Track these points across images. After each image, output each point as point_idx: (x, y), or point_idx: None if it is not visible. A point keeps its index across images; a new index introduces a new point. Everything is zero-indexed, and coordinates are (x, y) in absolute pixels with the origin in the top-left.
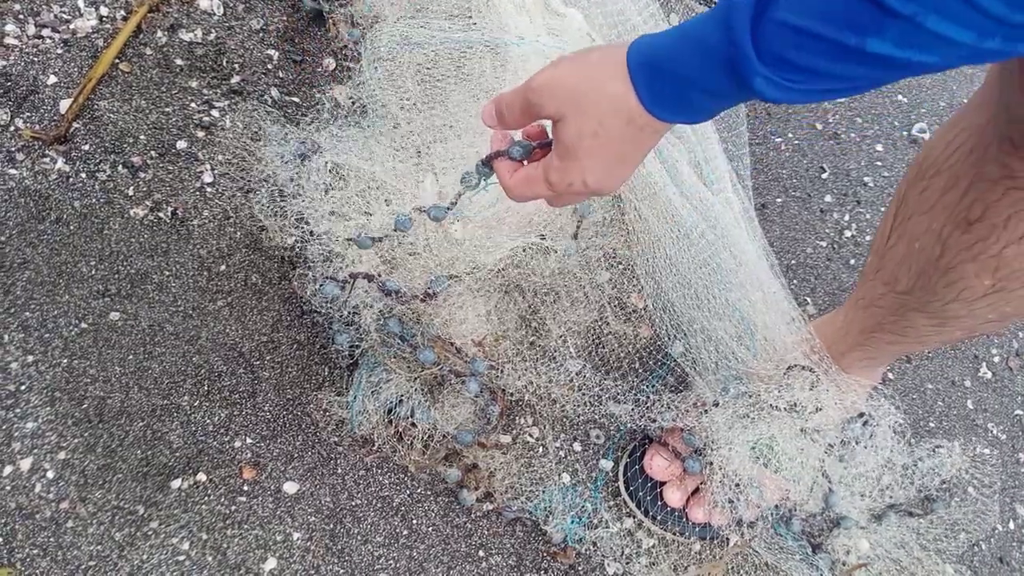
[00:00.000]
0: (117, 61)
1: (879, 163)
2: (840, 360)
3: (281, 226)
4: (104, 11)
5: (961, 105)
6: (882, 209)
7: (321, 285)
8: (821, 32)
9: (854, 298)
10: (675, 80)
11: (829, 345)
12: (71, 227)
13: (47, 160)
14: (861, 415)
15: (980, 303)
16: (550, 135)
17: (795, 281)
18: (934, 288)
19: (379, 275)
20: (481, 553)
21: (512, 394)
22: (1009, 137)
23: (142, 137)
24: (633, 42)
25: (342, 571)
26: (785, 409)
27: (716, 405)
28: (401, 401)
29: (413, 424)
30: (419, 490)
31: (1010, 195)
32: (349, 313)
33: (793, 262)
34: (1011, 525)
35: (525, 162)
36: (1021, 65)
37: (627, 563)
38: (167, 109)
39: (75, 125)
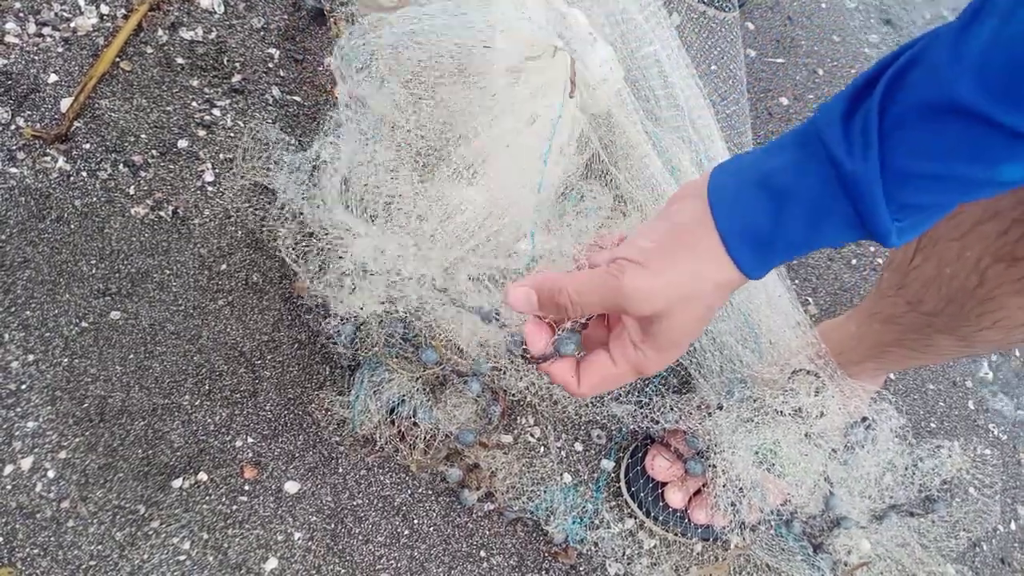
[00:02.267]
0: (118, 60)
1: None
2: (850, 368)
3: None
4: (105, 9)
5: None
6: None
7: (339, 329)
8: (947, 173)
9: (868, 311)
10: (788, 251)
11: (839, 352)
12: (72, 226)
13: (48, 159)
14: (864, 419)
15: (1019, 332)
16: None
17: (797, 281)
18: (967, 315)
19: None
20: (482, 553)
21: (514, 394)
22: None
23: (143, 136)
24: (718, 214)
25: (343, 571)
26: (790, 414)
27: (720, 408)
28: (403, 401)
29: (415, 424)
30: (420, 490)
31: None
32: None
33: (795, 262)
34: (1012, 526)
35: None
36: None
37: (628, 563)
38: (168, 108)
39: (76, 124)
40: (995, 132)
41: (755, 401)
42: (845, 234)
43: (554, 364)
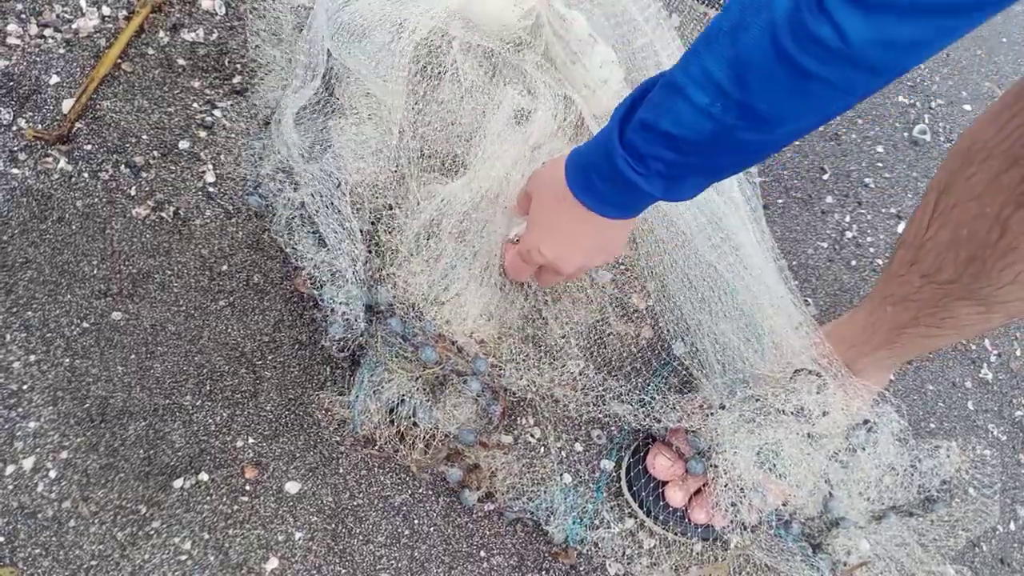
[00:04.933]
0: (119, 61)
1: (880, 164)
2: (860, 360)
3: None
4: (106, 11)
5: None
6: (883, 210)
7: (331, 324)
8: (655, 125)
9: (879, 297)
10: (582, 164)
11: (850, 347)
12: (73, 227)
13: (50, 160)
14: (866, 422)
15: None
16: None
17: (796, 282)
18: (989, 273)
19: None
20: (483, 553)
21: (514, 394)
22: None
23: (144, 137)
24: (568, 165)
25: (344, 571)
26: (792, 413)
27: (722, 408)
28: (403, 401)
29: (415, 424)
30: (421, 490)
31: None
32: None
33: (794, 263)
34: (1012, 526)
35: None
36: None
37: (628, 563)
38: (169, 109)
39: (77, 125)
40: (681, 99)
41: (757, 401)
42: (603, 158)
43: (508, 245)
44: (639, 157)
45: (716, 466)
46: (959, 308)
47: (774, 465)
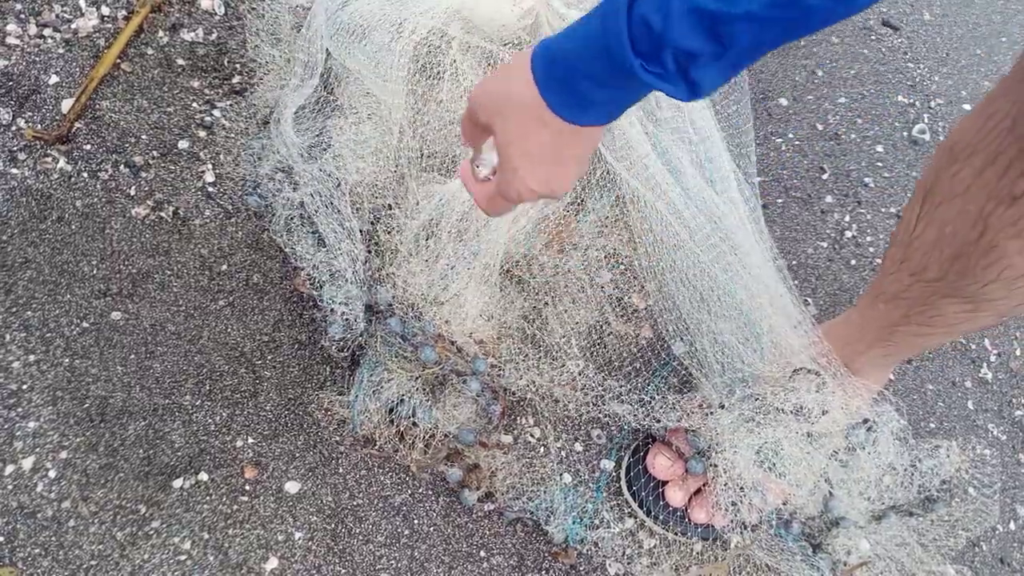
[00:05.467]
0: (119, 61)
1: (879, 164)
2: (856, 359)
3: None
4: (105, 11)
5: (984, 96)
6: (882, 210)
7: (330, 324)
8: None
9: (872, 295)
10: (565, 71)
11: (845, 345)
12: (73, 226)
13: (49, 160)
14: (865, 421)
15: (1021, 282)
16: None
17: (796, 282)
18: (972, 270)
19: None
20: (482, 553)
21: (514, 394)
22: None
23: (144, 137)
24: (540, 42)
25: (343, 571)
26: (791, 412)
27: (722, 407)
28: (402, 400)
29: (414, 424)
30: (420, 490)
31: None
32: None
33: (794, 263)
34: (1011, 526)
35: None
36: None
37: (628, 563)
38: (169, 109)
39: (77, 125)
40: None
41: (756, 400)
42: (600, 57)
43: (472, 182)
44: (658, 51)
45: (716, 465)
46: (947, 306)
47: (773, 464)
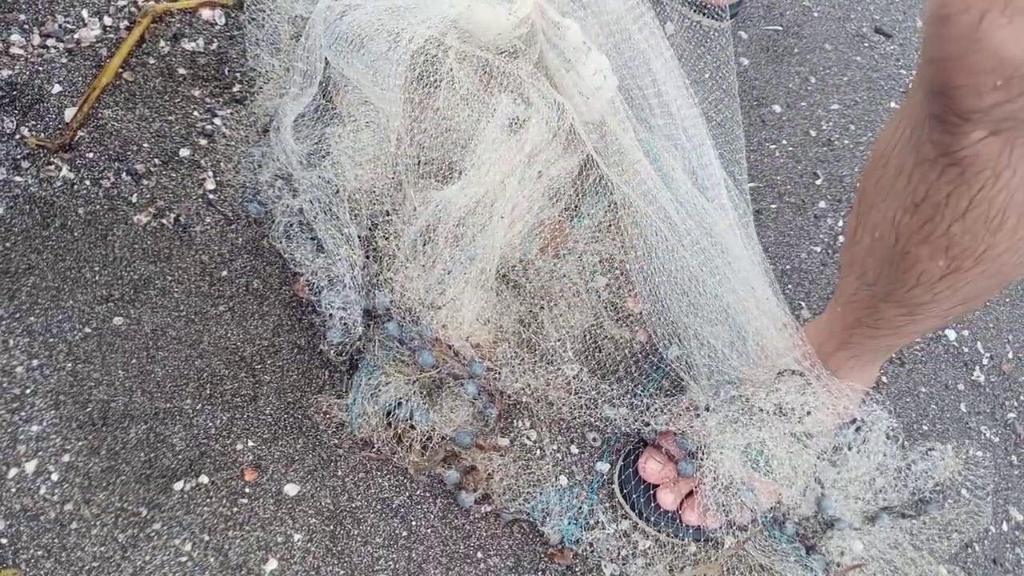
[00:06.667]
0: (121, 70)
1: None
2: (829, 360)
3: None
4: (108, 21)
5: None
6: None
7: (329, 328)
8: None
9: (835, 297)
10: None
11: (818, 346)
12: (75, 233)
13: (52, 168)
14: (853, 421)
15: (940, 286)
16: None
17: (790, 286)
18: (895, 275)
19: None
20: (479, 554)
21: (510, 396)
22: (933, 113)
23: (145, 145)
24: None
25: (342, 572)
26: (773, 412)
27: (708, 409)
28: (400, 403)
29: (412, 426)
30: (418, 492)
31: (947, 172)
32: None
33: (788, 267)
34: (1004, 527)
35: None
36: (929, 35)
37: (623, 564)
38: (170, 117)
39: (80, 133)
40: None
41: (743, 401)
42: None
43: None
44: None
45: (703, 466)
46: (886, 310)
47: (758, 463)
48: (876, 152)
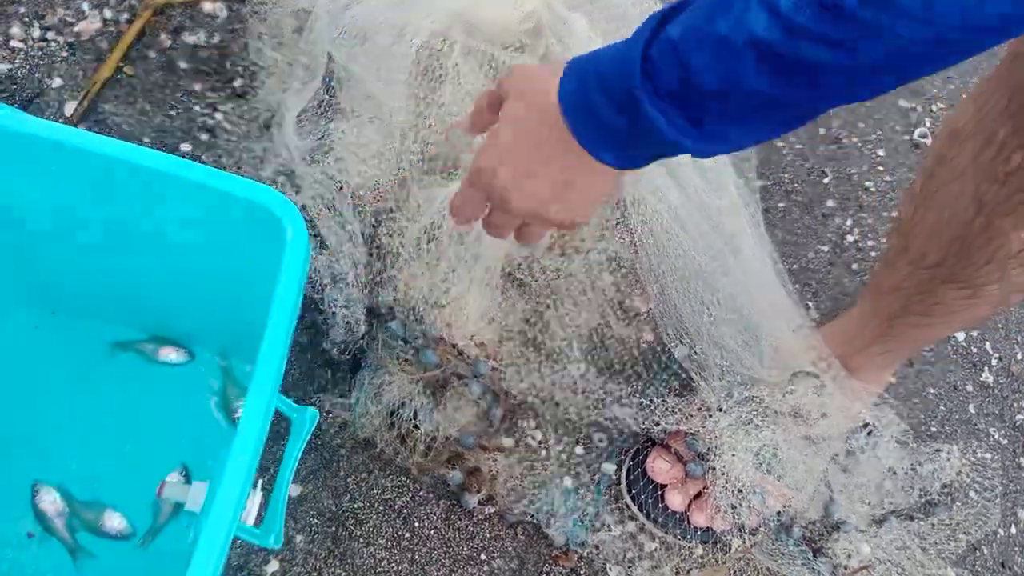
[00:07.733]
0: (121, 64)
1: (881, 168)
2: (856, 357)
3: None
4: (108, 14)
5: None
6: (884, 213)
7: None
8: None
9: (871, 289)
10: (582, 74)
11: (844, 343)
12: None
13: None
14: (866, 425)
15: (1013, 262)
16: None
17: (797, 286)
18: (968, 252)
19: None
20: (483, 556)
21: (515, 396)
22: None
23: (146, 139)
24: (566, 77)
25: (344, 574)
26: (789, 414)
27: (720, 410)
28: (404, 403)
29: (416, 426)
30: (421, 493)
31: None
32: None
33: (795, 267)
34: (1012, 530)
35: None
36: None
37: (629, 566)
38: (171, 112)
39: (80, 127)
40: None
41: (756, 403)
42: (616, 77)
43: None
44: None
45: (714, 468)
46: (946, 292)
47: (771, 467)
48: (951, 132)
